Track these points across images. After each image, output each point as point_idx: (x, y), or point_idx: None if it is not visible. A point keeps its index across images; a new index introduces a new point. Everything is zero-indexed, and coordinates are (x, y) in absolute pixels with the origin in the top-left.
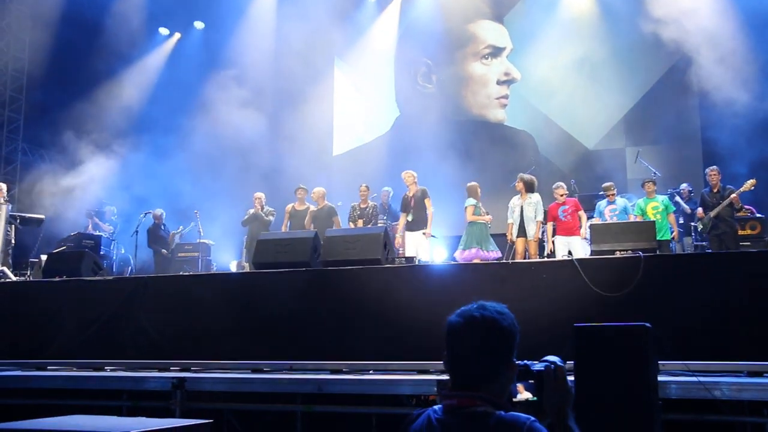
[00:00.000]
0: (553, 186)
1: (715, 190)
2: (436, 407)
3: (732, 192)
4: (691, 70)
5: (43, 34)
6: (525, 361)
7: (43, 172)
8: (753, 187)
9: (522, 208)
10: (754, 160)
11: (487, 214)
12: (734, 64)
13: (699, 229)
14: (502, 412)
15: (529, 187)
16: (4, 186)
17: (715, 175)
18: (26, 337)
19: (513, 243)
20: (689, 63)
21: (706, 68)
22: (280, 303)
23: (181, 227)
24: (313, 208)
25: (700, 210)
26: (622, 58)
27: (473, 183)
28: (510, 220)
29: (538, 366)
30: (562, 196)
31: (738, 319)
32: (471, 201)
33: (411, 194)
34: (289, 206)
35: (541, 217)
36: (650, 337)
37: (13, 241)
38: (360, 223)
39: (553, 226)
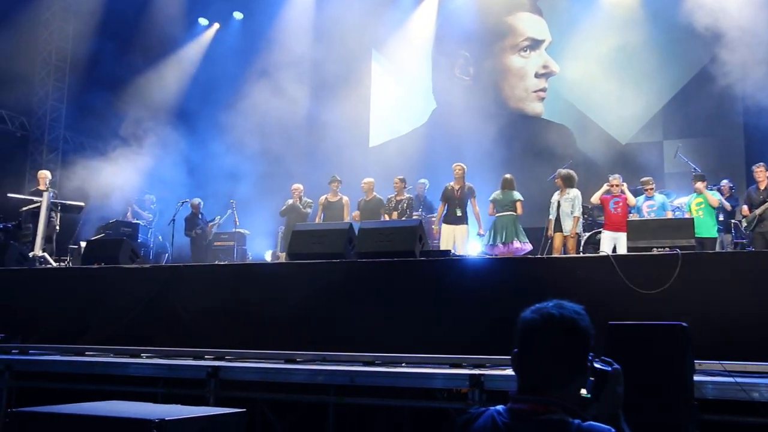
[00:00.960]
0: (609, 176)
1: (762, 188)
2: (500, 408)
3: None
4: (732, 61)
5: (86, 25)
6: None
7: (84, 160)
8: None
9: (559, 203)
10: None
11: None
12: None
13: (743, 227)
14: (579, 421)
15: (568, 182)
16: (48, 173)
17: (762, 172)
18: (65, 323)
19: (551, 238)
20: (730, 54)
21: (747, 59)
22: (313, 294)
23: (218, 217)
24: (346, 198)
25: (745, 207)
26: (660, 49)
27: (511, 175)
28: (551, 216)
29: (601, 365)
30: (616, 187)
31: None
32: (519, 195)
33: (458, 187)
34: (323, 198)
35: (578, 213)
36: (686, 336)
37: (57, 227)
38: (395, 215)
39: (590, 219)
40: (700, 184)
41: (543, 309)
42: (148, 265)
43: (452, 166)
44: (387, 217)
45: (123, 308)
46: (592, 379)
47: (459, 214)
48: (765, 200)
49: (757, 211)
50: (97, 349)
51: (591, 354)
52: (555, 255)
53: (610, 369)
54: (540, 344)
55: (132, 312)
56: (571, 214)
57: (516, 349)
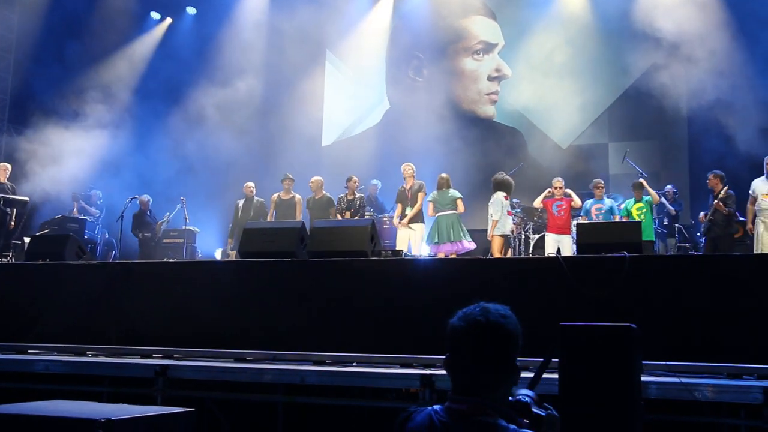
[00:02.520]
0: (552, 180)
1: (716, 194)
2: (437, 407)
3: (729, 197)
4: (675, 65)
5: (32, 14)
6: (522, 396)
7: (28, 154)
8: (726, 194)
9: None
10: (740, 158)
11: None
12: (720, 61)
13: (699, 233)
14: (514, 426)
15: (494, 186)
16: (8, 166)
17: (713, 178)
18: (7, 321)
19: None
20: (673, 57)
21: (692, 64)
22: (265, 293)
23: (167, 215)
24: (299, 196)
25: (702, 214)
26: (608, 53)
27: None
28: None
29: (537, 410)
30: (558, 189)
31: (718, 320)
32: (458, 193)
33: (408, 187)
34: (275, 195)
35: (497, 216)
36: (634, 337)
37: (13, 224)
38: (347, 215)
39: (539, 221)
40: (637, 193)
41: (469, 315)
42: (94, 262)
43: (402, 167)
44: (339, 217)
45: (68, 306)
46: (527, 421)
47: (408, 212)
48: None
49: (708, 217)
50: (39, 348)
51: (531, 395)
52: (504, 256)
53: (544, 414)
54: (467, 350)
55: (78, 309)
56: (491, 217)
57: (447, 354)
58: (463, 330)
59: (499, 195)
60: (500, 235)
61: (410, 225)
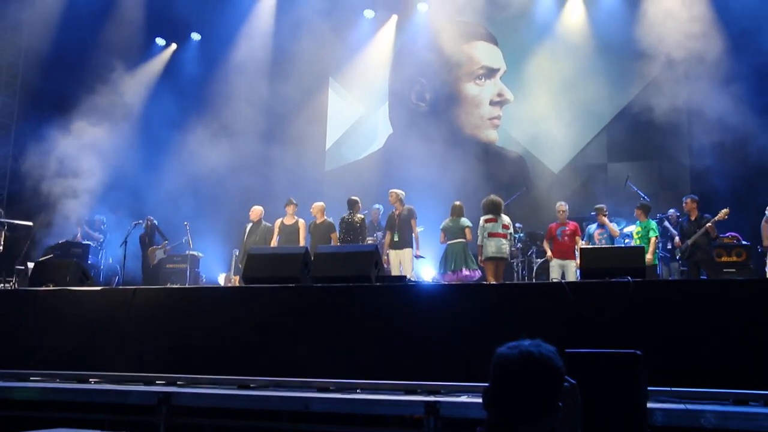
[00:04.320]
0: (556, 204)
1: (693, 218)
2: None
3: (708, 221)
4: (677, 86)
5: (39, 40)
6: None
7: (33, 180)
8: (726, 217)
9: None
10: (739, 180)
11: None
12: (720, 82)
13: (678, 257)
14: None
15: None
16: None
17: (689, 203)
18: (9, 347)
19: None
20: (675, 79)
21: (692, 84)
22: (268, 319)
23: (165, 242)
24: (302, 221)
25: (677, 239)
26: (609, 74)
27: (460, 202)
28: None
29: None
30: (562, 213)
31: (724, 346)
32: (468, 222)
33: (397, 213)
34: (278, 221)
35: (479, 241)
36: (640, 364)
37: (0, 248)
38: (349, 237)
39: (550, 245)
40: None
41: (522, 346)
42: (98, 288)
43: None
44: (338, 241)
45: (71, 332)
46: None
47: (396, 239)
48: (695, 231)
49: (689, 242)
50: (42, 375)
51: None
52: (507, 282)
53: (566, 384)
54: (517, 381)
55: (80, 336)
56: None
57: (489, 384)
58: (514, 360)
59: (481, 220)
60: (487, 260)
61: (399, 249)
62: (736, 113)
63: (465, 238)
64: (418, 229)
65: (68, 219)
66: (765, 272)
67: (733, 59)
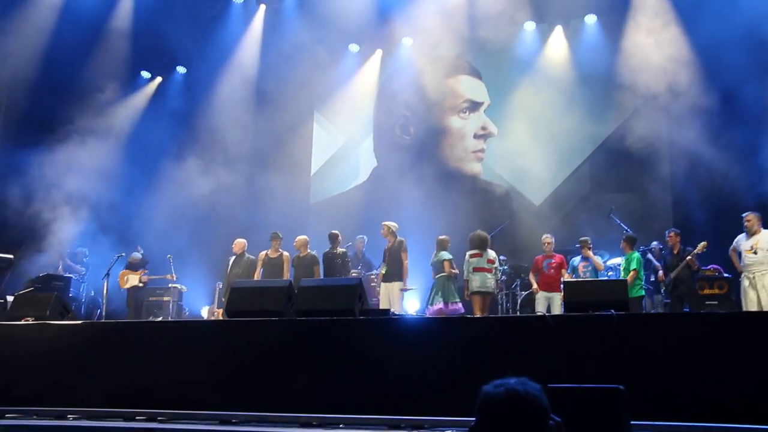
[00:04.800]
0: (542, 237)
1: (675, 252)
2: None
3: (690, 254)
4: (658, 120)
5: (23, 72)
6: None
7: (14, 211)
8: (705, 249)
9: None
10: (720, 211)
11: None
12: (699, 114)
13: (662, 290)
14: None
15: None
16: None
17: (673, 237)
18: None
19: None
20: (656, 113)
21: (672, 118)
22: (251, 353)
23: (141, 271)
24: (287, 254)
25: (660, 273)
26: (590, 108)
27: (446, 237)
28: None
29: None
30: (548, 245)
31: (707, 380)
32: (448, 255)
33: (389, 245)
34: (263, 253)
35: (465, 275)
36: (623, 399)
37: None
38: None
39: (536, 278)
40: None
41: (507, 384)
42: (78, 322)
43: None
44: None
45: (50, 367)
46: None
47: (383, 271)
48: (677, 264)
49: (672, 275)
50: (19, 411)
51: None
52: (491, 315)
53: (552, 422)
54: (503, 420)
55: (60, 370)
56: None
57: (476, 422)
58: (500, 398)
59: (467, 254)
60: (473, 294)
61: (388, 282)
62: (715, 145)
63: (443, 270)
64: (407, 262)
65: (50, 251)
66: (743, 302)
67: (710, 92)
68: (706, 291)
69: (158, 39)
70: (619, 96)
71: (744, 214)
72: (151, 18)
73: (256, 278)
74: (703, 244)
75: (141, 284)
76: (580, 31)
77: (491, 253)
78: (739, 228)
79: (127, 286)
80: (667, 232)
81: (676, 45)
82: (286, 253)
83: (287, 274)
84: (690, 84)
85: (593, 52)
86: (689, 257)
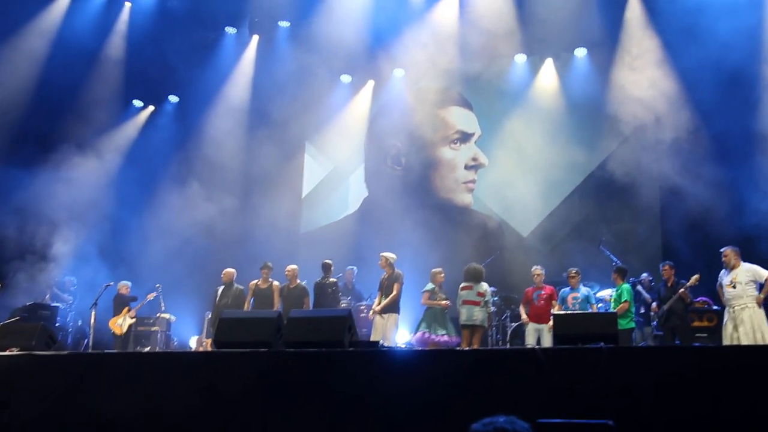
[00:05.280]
0: (532, 268)
1: (669, 285)
2: None
3: (682, 287)
4: (647, 152)
5: (14, 99)
6: None
7: (5, 240)
8: (697, 282)
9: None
10: (709, 244)
11: (445, 299)
12: (689, 145)
13: (653, 322)
14: None
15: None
16: None
17: (668, 270)
18: None
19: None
20: (646, 145)
21: (661, 149)
22: (239, 385)
23: (126, 309)
24: (277, 284)
25: (654, 305)
26: (580, 139)
27: (436, 269)
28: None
29: None
30: (538, 276)
31: (697, 413)
32: (429, 286)
33: (386, 276)
34: (253, 283)
35: (458, 307)
36: None
37: None
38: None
39: (526, 309)
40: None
41: (495, 423)
42: (64, 353)
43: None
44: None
45: (35, 399)
46: None
47: (377, 302)
48: (671, 296)
49: (665, 307)
50: None
51: None
52: (479, 348)
53: None
54: None
55: (44, 403)
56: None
57: None
58: None
59: (460, 287)
60: (462, 327)
61: (382, 314)
62: (702, 177)
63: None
64: (396, 293)
65: (37, 280)
66: (723, 336)
67: (697, 124)
68: (696, 323)
69: (151, 68)
70: (607, 127)
71: (721, 249)
72: (143, 47)
73: (246, 308)
74: (695, 277)
75: (133, 320)
76: (570, 64)
77: (483, 286)
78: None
79: (124, 330)
80: (661, 264)
81: (664, 78)
82: (276, 283)
83: (277, 304)
84: (677, 116)
85: (583, 84)
86: (682, 290)
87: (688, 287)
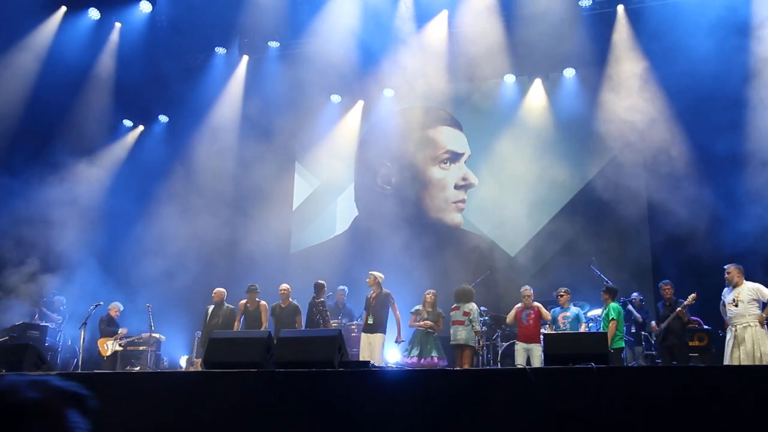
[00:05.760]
0: (521, 289)
1: (668, 304)
2: None
3: (680, 305)
4: (636, 171)
5: (5, 114)
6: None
7: None
8: (694, 301)
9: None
10: (700, 262)
11: (425, 320)
12: (678, 162)
13: (654, 341)
14: None
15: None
16: None
17: (668, 289)
18: None
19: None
20: (634, 163)
21: (650, 168)
22: (228, 406)
23: (120, 331)
24: (264, 304)
25: (653, 323)
26: (569, 158)
27: (428, 291)
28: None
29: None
30: (527, 297)
31: None
32: (415, 308)
33: (373, 296)
34: (242, 303)
35: (478, 326)
36: None
37: None
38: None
39: (507, 330)
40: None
41: None
42: (53, 373)
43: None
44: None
45: None
46: None
47: (370, 322)
48: (669, 315)
49: (662, 326)
50: None
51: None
52: (470, 368)
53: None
54: None
55: None
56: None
57: None
58: None
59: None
60: (453, 346)
61: (370, 333)
62: (690, 195)
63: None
64: (398, 314)
65: (25, 299)
66: (725, 355)
67: (685, 143)
68: (688, 343)
69: (141, 88)
70: (595, 146)
71: (725, 266)
72: (134, 66)
73: (236, 326)
74: (693, 296)
75: (120, 347)
76: (558, 84)
77: (468, 306)
78: (716, 278)
79: (108, 353)
80: (660, 284)
81: (651, 98)
82: (263, 302)
83: (266, 323)
84: (665, 135)
85: (571, 104)
86: (679, 309)
87: (685, 306)
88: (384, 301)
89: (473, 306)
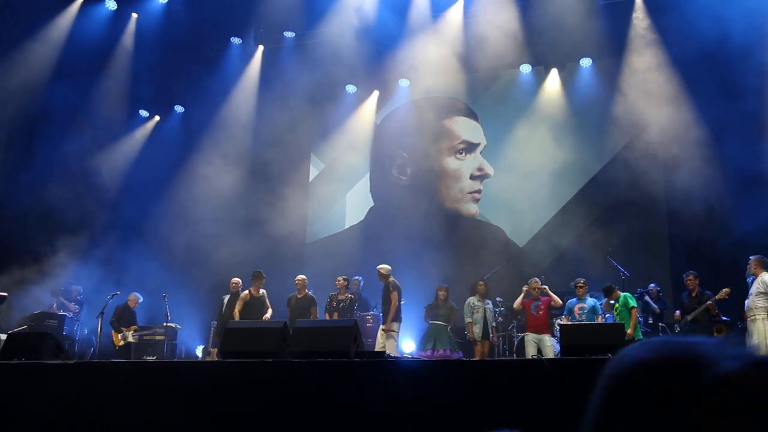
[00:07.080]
0: (529, 281)
1: (694, 294)
2: None
3: (709, 298)
4: (652, 158)
5: (23, 108)
6: None
7: (7, 248)
8: (727, 296)
9: (485, 310)
10: (719, 251)
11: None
12: (697, 148)
13: (676, 332)
14: None
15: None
16: None
17: (692, 280)
18: None
19: (475, 342)
20: (653, 151)
21: (669, 157)
22: (244, 395)
23: (133, 328)
24: (263, 291)
25: (677, 313)
26: (584, 148)
27: (441, 287)
28: (469, 319)
29: None
30: (536, 290)
31: None
32: (430, 303)
33: (384, 288)
34: (245, 293)
35: (466, 320)
36: None
37: None
38: (335, 315)
39: (522, 320)
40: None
41: None
42: (71, 362)
43: None
44: (327, 316)
45: (42, 408)
46: None
47: (380, 313)
48: (695, 307)
49: (688, 317)
50: None
51: None
52: (486, 359)
53: None
54: None
55: (51, 412)
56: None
57: None
58: None
59: (470, 299)
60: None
61: (383, 324)
62: (713, 182)
63: None
64: (400, 302)
65: (44, 288)
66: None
67: (702, 128)
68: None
69: (157, 78)
70: (612, 135)
71: (751, 257)
72: (149, 57)
73: (235, 314)
74: (725, 290)
75: (134, 340)
76: (575, 74)
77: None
78: (736, 267)
79: (121, 343)
80: (685, 275)
81: (669, 87)
82: (263, 290)
83: (270, 309)
84: (682, 124)
85: (588, 94)
86: (710, 302)
87: (716, 300)
88: (388, 291)
89: (475, 300)
